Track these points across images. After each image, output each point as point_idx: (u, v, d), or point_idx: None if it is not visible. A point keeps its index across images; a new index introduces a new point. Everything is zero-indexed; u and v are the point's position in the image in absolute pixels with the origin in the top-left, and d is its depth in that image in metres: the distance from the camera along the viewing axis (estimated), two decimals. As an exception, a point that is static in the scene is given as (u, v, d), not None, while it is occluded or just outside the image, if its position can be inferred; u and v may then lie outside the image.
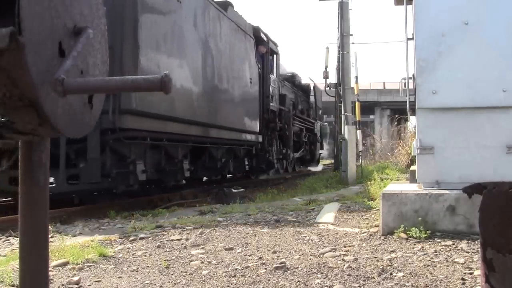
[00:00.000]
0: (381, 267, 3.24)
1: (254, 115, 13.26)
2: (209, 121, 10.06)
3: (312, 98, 22.90)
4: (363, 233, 4.52)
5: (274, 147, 16.16)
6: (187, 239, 4.39)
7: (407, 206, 4.29)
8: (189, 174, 9.73)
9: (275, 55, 16.17)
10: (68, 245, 3.92)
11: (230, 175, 14.03)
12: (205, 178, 13.48)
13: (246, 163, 13.72)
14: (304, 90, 21.81)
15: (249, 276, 3.14)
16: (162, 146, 8.64)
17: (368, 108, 39.23)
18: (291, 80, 20.08)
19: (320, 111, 24.81)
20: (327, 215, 5.72)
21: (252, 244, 4.15)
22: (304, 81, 23.02)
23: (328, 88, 17.17)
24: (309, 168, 23.44)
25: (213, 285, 2.98)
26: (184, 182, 10.75)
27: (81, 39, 1.46)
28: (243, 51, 12.54)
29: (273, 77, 15.46)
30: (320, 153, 24.78)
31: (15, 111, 1.33)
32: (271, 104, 14.88)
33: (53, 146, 4.83)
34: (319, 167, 26.02)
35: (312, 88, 22.72)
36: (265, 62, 14.70)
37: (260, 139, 14.07)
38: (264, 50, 14.46)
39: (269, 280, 3.03)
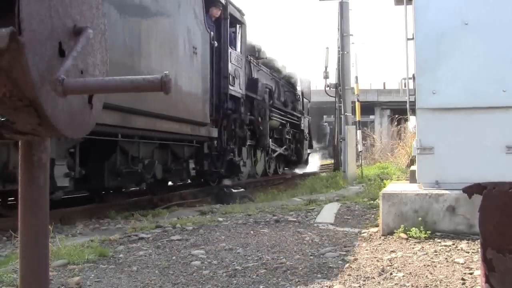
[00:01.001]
0: (381, 267, 3.24)
1: (199, 99, 8.99)
2: (121, 104, 6.40)
3: (299, 90, 19.68)
4: (363, 233, 4.52)
5: (243, 145, 12.74)
6: (187, 239, 4.39)
7: (407, 206, 4.29)
8: (67, 184, 6.17)
9: (239, 26, 12.05)
10: (68, 245, 3.91)
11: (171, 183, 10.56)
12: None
13: (193, 166, 9.55)
14: (289, 80, 18.67)
15: (249, 276, 3.14)
16: None
17: (368, 108, 39.24)
18: (272, 66, 16.50)
19: (309, 105, 21.51)
20: (327, 215, 5.72)
21: (252, 244, 4.15)
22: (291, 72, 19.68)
23: (328, 88, 17.17)
24: (296, 170, 19.97)
25: (213, 285, 2.98)
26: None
27: (81, 39, 1.46)
28: (182, 8, 8.38)
29: (235, 52, 11.34)
30: (309, 153, 21.08)
31: (15, 111, 1.33)
32: (231, 87, 10.75)
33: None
34: (314, 168, 23.00)
35: (298, 78, 19.61)
36: (222, 31, 10.60)
37: (214, 134, 10.04)
38: (218, 13, 10.46)
39: (269, 280, 3.03)
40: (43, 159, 1.52)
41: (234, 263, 3.50)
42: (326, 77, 17.61)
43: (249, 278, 3.10)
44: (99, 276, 3.22)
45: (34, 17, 1.27)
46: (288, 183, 15.26)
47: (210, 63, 9.59)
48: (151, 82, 1.34)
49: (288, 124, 17.25)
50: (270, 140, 14.88)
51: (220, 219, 5.55)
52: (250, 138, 13.21)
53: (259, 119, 13.39)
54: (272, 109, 14.76)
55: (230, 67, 10.78)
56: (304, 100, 20.15)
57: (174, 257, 3.70)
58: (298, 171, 19.98)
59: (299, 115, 18.74)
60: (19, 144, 1.53)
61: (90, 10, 1.59)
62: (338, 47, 14.79)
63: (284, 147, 16.97)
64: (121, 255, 3.77)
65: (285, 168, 19.20)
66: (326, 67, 17.77)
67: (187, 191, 10.21)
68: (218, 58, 10.31)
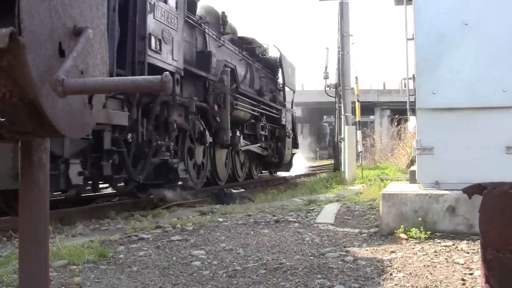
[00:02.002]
0: (381, 267, 3.24)
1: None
2: None
3: (281, 78, 16.35)
4: (363, 233, 4.52)
5: (201, 143, 9.94)
6: (187, 240, 4.39)
7: (407, 206, 4.29)
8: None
9: None
10: (68, 245, 3.91)
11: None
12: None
13: (79, 169, 6.24)
14: (269, 65, 15.57)
15: (249, 277, 3.14)
16: None
17: (368, 108, 39.26)
18: (244, 45, 13.74)
19: (293, 95, 17.99)
20: (327, 216, 5.72)
21: (252, 244, 4.15)
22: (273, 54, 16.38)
23: (328, 88, 17.17)
24: (279, 173, 17.36)
25: (213, 286, 2.98)
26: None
27: (81, 40, 1.46)
28: None
29: (166, 7, 7.98)
30: (294, 153, 17.48)
31: (15, 111, 1.33)
32: (153, 54, 7.42)
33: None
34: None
35: (278, 59, 15.98)
36: None
37: (122, 121, 6.85)
38: None
39: (269, 281, 3.03)
40: (43, 159, 1.52)
41: (234, 263, 3.49)
42: (326, 77, 17.61)
43: (249, 279, 3.10)
44: (99, 276, 3.22)
45: (34, 17, 1.27)
46: (288, 183, 15.25)
47: (120, 17, 6.70)
48: (151, 82, 1.34)
49: (264, 117, 14.05)
50: (241, 136, 12.10)
51: (220, 219, 5.55)
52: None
53: (216, 107, 10.16)
54: (238, 96, 11.42)
55: (153, 25, 7.45)
56: (287, 89, 16.84)
57: (174, 258, 3.70)
58: (283, 174, 17.40)
59: (279, 107, 15.45)
60: (19, 144, 1.53)
61: (90, 10, 1.59)
62: (338, 47, 14.79)
63: (258, 145, 13.77)
64: (121, 256, 3.77)
65: (263, 172, 16.43)
66: (326, 67, 17.77)
67: (187, 191, 10.19)
68: (133, 11, 7.16)
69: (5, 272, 3.19)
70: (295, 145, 17.58)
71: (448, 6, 4.56)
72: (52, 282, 2.98)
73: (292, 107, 17.75)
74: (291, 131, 16.65)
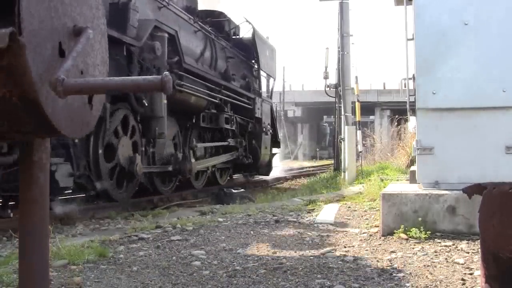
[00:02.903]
0: (381, 267, 3.24)
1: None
2: None
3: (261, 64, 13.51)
4: (363, 233, 4.52)
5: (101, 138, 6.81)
6: (187, 240, 4.39)
7: (407, 206, 4.29)
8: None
9: None
10: (68, 245, 3.91)
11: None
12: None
13: None
14: (242, 46, 12.96)
15: (249, 277, 3.14)
16: None
17: (368, 108, 39.29)
18: (208, 18, 11.54)
19: (274, 84, 15.05)
20: (327, 216, 5.72)
21: (252, 244, 4.15)
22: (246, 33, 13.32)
23: (328, 88, 17.17)
24: (255, 177, 14.52)
25: (213, 286, 2.98)
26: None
27: (81, 40, 1.46)
28: None
29: None
30: (275, 154, 14.95)
31: (15, 111, 1.33)
32: None
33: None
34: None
35: (251, 37, 13.00)
36: None
37: None
38: None
39: (269, 281, 3.03)
40: (43, 159, 1.52)
41: (234, 263, 3.50)
42: (326, 77, 17.60)
43: (249, 278, 3.10)
44: (99, 276, 3.22)
45: (34, 17, 1.27)
46: (288, 183, 15.26)
47: None
48: (151, 82, 1.34)
49: (230, 107, 11.22)
50: (193, 131, 9.95)
51: (220, 219, 5.55)
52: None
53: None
54: (184, 74, 8.47)
55: None
56: (264, 75, 14.03)
57: (174, 258, 3.70)
58: (263, 177, 14.63)
59: (252, 96, 12.43)
60: (19, 144, 1.53)
61: (90, 10, 1.59)
62: (338, 48, 14.79)
63: (222, 143, 11.08)
64: (121, 256, 3.77)
65: (231, 177, 13.04)
66: (326, 67, 17.77)
67: (187, 191, 10.20)
68: None
69: (5, 272, 3.18)
70: (276, 143, 14.64)
71: (448, 6, 4.56)
72: (52, 282, 2.98)
73: (271, 97, 14.74)
74: (269, 126, 13.58)
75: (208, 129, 10.69)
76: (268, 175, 14.70)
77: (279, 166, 18.74)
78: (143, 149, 8.02)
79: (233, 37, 12.89)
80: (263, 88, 14.10)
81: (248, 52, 13.25)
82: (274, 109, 15.32)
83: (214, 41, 10.83)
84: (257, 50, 13.10)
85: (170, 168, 8.67)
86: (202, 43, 10.20)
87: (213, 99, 9.97)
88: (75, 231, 5.50)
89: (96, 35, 1.60)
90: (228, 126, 11.04)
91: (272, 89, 15.09)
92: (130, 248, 4.07)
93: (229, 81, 11.11)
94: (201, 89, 9.34)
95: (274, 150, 14.79)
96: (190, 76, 8.83)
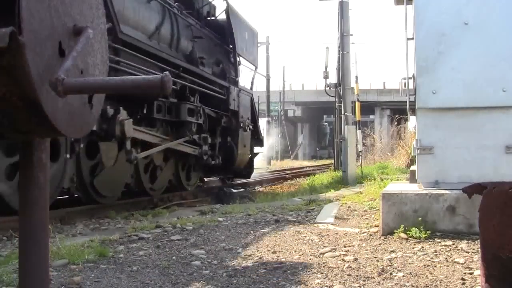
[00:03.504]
0: (381, 267, 3.24)
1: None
2: None
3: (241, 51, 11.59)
4: (363, 233, 4.52)
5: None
6: (187, 239, 4.39)
7: (407, 206, 4.29)
8: None
9: None
10: (68, 245, 3.91)
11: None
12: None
13: None
14: (218, 28, 11.03)
15: (249, 276, 3.14)
16: None
17: (368, 108, 39.31)
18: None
19: (255, 73, 13.04)
20: (327, 215, 5.72)
21: (252, 244, 4.15)
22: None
23: (328, 88, 17.18)
24: (235, 180, 12.50)
25: (213, 285, 2.98)
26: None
27: (81, 39, 1.46)
28: None
29: None
30: (257, 153, 13.06)
31: (15, 111, 1.33)
32: None
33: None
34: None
35: (225, 15, 10.99)
36: None
37: None
38: None
39: (269, 280, 3.03)
40: (43, 159, 1.52)
41: (234, 263, 3.50)
42: (326, 77, 17.62)
43: (249, 278, 3.10)
44: (99, 276, 3.22)
45: (34, 17, 1.27)
46: (288, 183, 15.26)
47: None
48: (151, 82, 1.34)
49: (198, 97, 9.20)
50: (144, 124, 7.90)
51: (220, 219, 5.55)
52: None
53: None
54: (122, 48, 6.82)
55: None
56: (243, 62, 11.97)
57: (174, 257, 3.71)
58: (241, 181, 12.61)
59: (227, 85, 10.48)
60: (19, 144, 1.53)
61: (90, 10, 1.59)
62: (338, 47, 14.79)
63: (183, 139, 8.82)
64: (121, 255, 3.77)
65: (202, 181, 11.03)
66: (326, 67, 17.79)
67: (187, 191, 10.21)
68: None
69: (5, 271, 3.18)
70: (258, 141, 12.71)
71: (448, 5, 4.56)
72: (52, 282, 2.98)
73: (252, 88, 12.55)
74: (248, 121, 11.54)
75: (168, 122, 8.57)
76: (248, 177, 12.72)
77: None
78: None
79: (208, 18, 11.08)
80: (243, 78, 12.43)
81: (224, 36, 11.18)
82: (256, 102, 13.03)
83: (176, 16, 8.97)
84: (232, 30, 10.98)
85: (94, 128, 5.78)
86: (159, 16, 8.30)
87: (173, 87, 7.87)
88: (75, 230, 5.51)
89: (96, 34, 1.60)
90: (192, 119, 8.93)
91: (253, 79, 12.91)
92: (130, 247, 4.07)
93: (195, 65, 9.16)
94: (151, 71, 7.32)
95: (257, 149, 12.94)
96: (133, 52, 7.06)
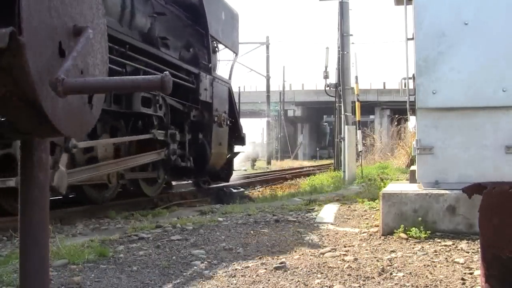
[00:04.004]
0: (381, 267, 3.24)
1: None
2: None
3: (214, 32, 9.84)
4: (363, 233, 4.52)
5: None
6: (187, 239, 4.39)
7: (407, 206, 4.29)
8: None
9: None
10: (68, 245, 3.91)
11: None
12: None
13: None
14: (190, 8, 9.50)
15: (249, 276, 3.14)
16: None
17: (368, 108, 39.32)
18: None
19: (235, 60, 11.48)
20: (327, 215, 5.72)
21: (252, 244, 4.15)
22: None
23: (328, 88, 17.18)
24: (215, 183, 10.77)
25: (213, 285, 2.98)
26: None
27: (81, 39, 1.46)
28: None
29: None
30: (237, 153, 11.51)
31: (15, 111, 1.33)
32: None
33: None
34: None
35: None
36: None
37: None
38: None
39: (269, 280, 3.03)
40: (43, 159, 1.52)
41: (234, 263, 3.50)
42: (326, 77, 17.64)
43: (249, 278, 3.10)
44: (99, 276, 3.22)
45: (34, 17, 1.27)
46: (288, 183, 15.26)
47: None
48: (151, 82, 1.34)
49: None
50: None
51: (220, 219, 5.55)
52: None
53: None
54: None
55: None
56: (218, 46, 10.39)
57: (174, 257, 3.71)
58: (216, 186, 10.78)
59: (196, 72, 8.85)
60: (19, 144, 1.53)
61: (90, 10, 1.59)
62: (338, 47, 14.79)
63: (141, 136, 7.38)
64: (121, 255, 3.77)
65: (169, 185, 9.64)
66: (326, 67, 17.81)
67: (187, 190, 10.21)
68: None
69: (5, 271, 3.19)
70: (239, 139, 11.06)
71: (448, 5, 4.56)
72: (52, 282, 2.98)
73: (230, 78, 10.82)
74: (225, 115, 9.85)
75: (122, 115, 7.21)
76: (227, 181, 11.06)
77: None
78: None
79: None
80: (224, 68, 10.33)
81: (199, 17, 9.55)
82: (237, 95, 11.20)
83: None
84: (203, 8, 9.31)
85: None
86: None
87: (115, 67, 6.41)
88: (75, 230, 5.51)
89: (96, 34, 1.60)
90: (149, 111, 7.41)
91: (232, 67, 11.02)
92: (130, 247, 4.07)
93: (155, 46, 7.71)
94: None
95: (237, 148, 11.33)
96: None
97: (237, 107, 11.01)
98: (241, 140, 11.23)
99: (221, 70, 10.70)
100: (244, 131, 11.32)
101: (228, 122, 10.09)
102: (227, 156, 10.57)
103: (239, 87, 12.09)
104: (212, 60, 9.75)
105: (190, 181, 10.56)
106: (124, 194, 8.13)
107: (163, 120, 7.93)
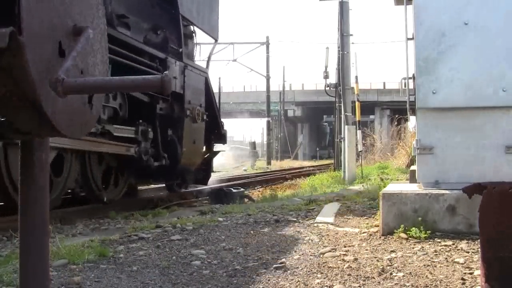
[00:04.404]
0: (381, 267, 3.24)
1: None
2: None
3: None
4: (363, 233, 4.52)
5: None
6: (187, 239, 4.39)
7: (407, 206, 4.29)
8: None
9: None
10: (68, 245, 3.91)
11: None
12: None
13: None
14: None
15: (249, 276, 3.14)
16: None
17: (368, 108, 39.29)
18: None
19: (214, 47, 10.35)
20: (327, 215, 5.72)
21: (252, 244, 4.15)
22: None
23: (328, 88, 17.18)
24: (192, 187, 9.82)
25: (213, 285, 2.98)
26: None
27: (81, 39, 1.46)
28: None
29: None
30: (216, 152, 10.20)
31: (15, 111, 1.33)
32: None
33: None
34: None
35: None
36: None
37: None
38: None
39: (269, 280, 3.03)
40: (43, 158, 1.52)
41: (234, 263, 3.50)
42: (326, 77, 17.64)
43: (249, 278, 3.10)
44: (99, 276, 3.22)
45: (34, 17, 1.27)
46: (288, 183, 15.25)
47: None
48: (151, 82, 1.34)
49: (109, 68, 5.72)
50: None
51: (220, 219, 5.55)
52: None
53: None
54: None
55: None
56: (194, 32, 9.21)
57: (174, 257, 3.71)
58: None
59: (163, 57, 7.69)
60: (19, 144, 1.53)
61: (90, 9, 1.59)
62: (338, 47, 14.79)
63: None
64: (121, 255, 3.77)
65: (134, 189, 8.74)
66: (326, 67, 17.81)
67: (187, 191, 10.22)
68: None
69: (5, 271, 3.19)
70: (218, 136, 9.82)
71: (448, 5, 4.55)
72: (52, 282, 2.98)
73: (208, 67, 9.53)
74: (201, 108, 8.67)
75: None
76: (205, 183, 9.74)
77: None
78: None
79: None
80: (188, 47, 8.84)
81: None
82: (219, 86, 10.16)
83: None
84: None
85: None
86: None
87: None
88: (75, 230, 5.51)
89: (96, 34, 1.60)
90: (111, 104, 6.79)
91: (210, 54, 9.83)
92: (130, 247, 4.07)
93: (110, 25, 6.27)
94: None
95: (217, 147, 10.16)
96: None
97: (217, 101, 9.75)
98: (221, 138, 9.95)
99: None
100: (225, 127, 10.07)
101: (205, 117, 8.77)
102: (206, 156, 9.54)
103: (219, 78, 10.85)
104: (189, 46, 8.66)
105: (160, 186, 9.43)
106: (124, 194, 8.11)
107: (118, 113, 7.01)
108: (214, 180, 11.28)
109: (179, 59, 8.06)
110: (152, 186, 9.76)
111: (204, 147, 9.40)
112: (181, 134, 8.08)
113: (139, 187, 9.16)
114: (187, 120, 8.14)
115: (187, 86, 8.19)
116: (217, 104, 9.79)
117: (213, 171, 10.06)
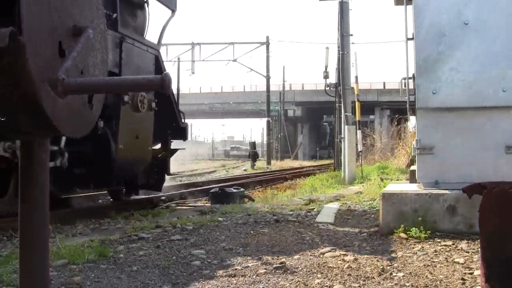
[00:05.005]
0: (381, 267, 3.24)
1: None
2: None
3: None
4: (363, 233, 4.52)
5: None
6: (187, 239, 4.39)
7: (407, 206, 4.29)
8: None
9: None
10: (68, 245, 3.91)
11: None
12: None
13: None
14: None
15: (249, 276, 3.14)
16: None
17: (368, 108, 39.27)
18: None
19: (170, 18, 7.72)
20: (327, 215, 5.72)
21: (252, 244, 4.15)
22: None
23: (328, 88, 17.18)
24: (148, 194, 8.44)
25: (213, 285, 2.98)
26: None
27: (81, 39, 1.46)
28: None
29: None
30: (175, 151, 8.16)
31: (15, 111, 1.33)
32: None
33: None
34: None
35: None
36: None
37: None
38: None
39: (269, 280, 3.03)
40: (43, 158, 1.52)
41: (234, 263, 3.50)
42: (326, 77, 17.64)
43: (249, 278, 3.10)
44: (99, 276, 3.22)
45: (34, 17, 1.27)
46: (288, 183, 15.25)
47: None
48: (151, 82, 1.34)
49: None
50: None
51: (220, 219, 5.55)
52: None
53: None
54: None
55: None
56: (146, 1, 7.36)
57: (174, 257, 3.70)
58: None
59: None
60: (19, 144, 1.53)
61: (90, 9, 1.59)
62: (338, 47, 14.78)
63: None
64: (121, 255, 3.77)
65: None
66: (326, 67, 17.81)
67: (187, 190, 10.21)
68: None
69: (5, 271, 3.19)
70: (177, 131, 8.00)
71: (448, 5, 4.56)
72: (52, 282, 2.98)
73: (160, 42, 7.54)
74: (147, 93, 5.86)
75: None
76: (158, 189, 7.98)
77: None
78: None
79: None
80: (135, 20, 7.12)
81: None
82: (178, 68, 8.63)
83: None
84: None
85: None
86: None
87: None
88: (75, 230, 5.51)
89: (96, 34, 1.60)
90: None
91: (164, 27, 7.73)
92: (130, 247, 4.07)
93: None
94: None
95: (175, 144, 8.28)
96: None
97: (176, 86, 7.71)
98: (181, 133, 7.99)
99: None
100: (186, 120, 8.13)
101: (154, 105, 6.26)
102: (159, 155, 7.75)
103: (178, 58, 8.72)
104: (138, 18, 6.97)
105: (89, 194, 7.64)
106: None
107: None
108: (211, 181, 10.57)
109: (113, 29, 6.19)
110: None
111: (159, 145, 7.79)
112: (116, 126, 6.24)
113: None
114: (124, 109, 6.10)
115: (125, 64, 6.39)
116: (176, 91, 7.91)
117: (169, 174, 8.19)
